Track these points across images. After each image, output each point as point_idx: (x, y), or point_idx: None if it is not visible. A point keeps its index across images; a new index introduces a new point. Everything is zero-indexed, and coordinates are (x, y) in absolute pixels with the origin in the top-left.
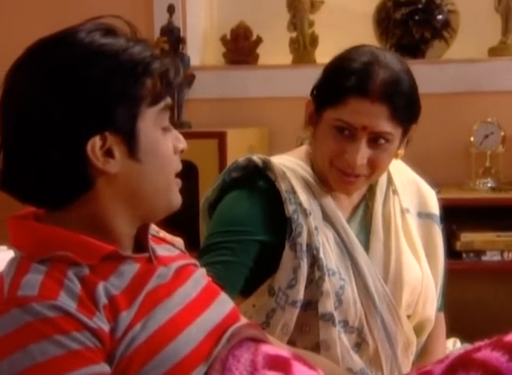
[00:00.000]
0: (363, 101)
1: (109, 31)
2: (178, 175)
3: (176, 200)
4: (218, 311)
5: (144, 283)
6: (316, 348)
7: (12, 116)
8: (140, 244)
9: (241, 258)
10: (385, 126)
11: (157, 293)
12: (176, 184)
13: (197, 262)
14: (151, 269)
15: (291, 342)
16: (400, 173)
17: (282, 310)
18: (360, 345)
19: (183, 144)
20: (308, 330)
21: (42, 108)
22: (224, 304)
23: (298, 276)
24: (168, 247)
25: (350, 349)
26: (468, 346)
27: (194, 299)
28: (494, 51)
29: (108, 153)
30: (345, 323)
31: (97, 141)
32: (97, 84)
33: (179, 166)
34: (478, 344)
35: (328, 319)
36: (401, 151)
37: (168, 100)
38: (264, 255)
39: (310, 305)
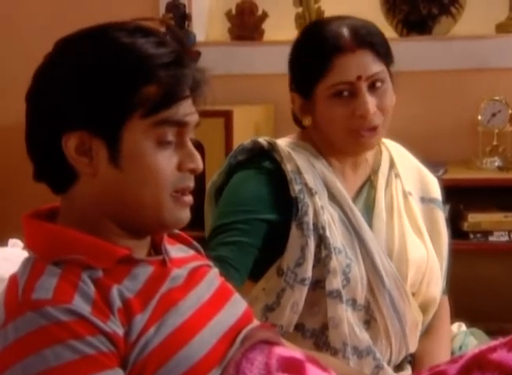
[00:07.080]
0: (345, 55)
1: (139, 31)
2: (191, 192)
3: (172, 218)
4: (232, 312)
5: (157, 286)
6: (324, 328)
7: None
8: (155, 246)
9: (251, 239)
10: (375, 66)
11: (170, 296)
12: (174, 201)
13: (210, 263)
14: (164, 272)
15: (300, 324)
16: (403, 158)
17: (292, 289)
18: (369, 322)
19: (194, 163)
20: (318, 310)
21: (37, 93)
22: (237, 305)
23: (306, 254)
24: (183, 247)
25: (356, 327)
26: (474, 329)
27: (208, 301)
28: (501, 28)
29: (86, 153)
30: (353, 302)
31: (71, 137)
32: (87, 81)
33: (182, 183)
34: (493, 343)
35: (336, 296)
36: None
37: (175, 115)
38: (272, 236)
39: (319, 284)
